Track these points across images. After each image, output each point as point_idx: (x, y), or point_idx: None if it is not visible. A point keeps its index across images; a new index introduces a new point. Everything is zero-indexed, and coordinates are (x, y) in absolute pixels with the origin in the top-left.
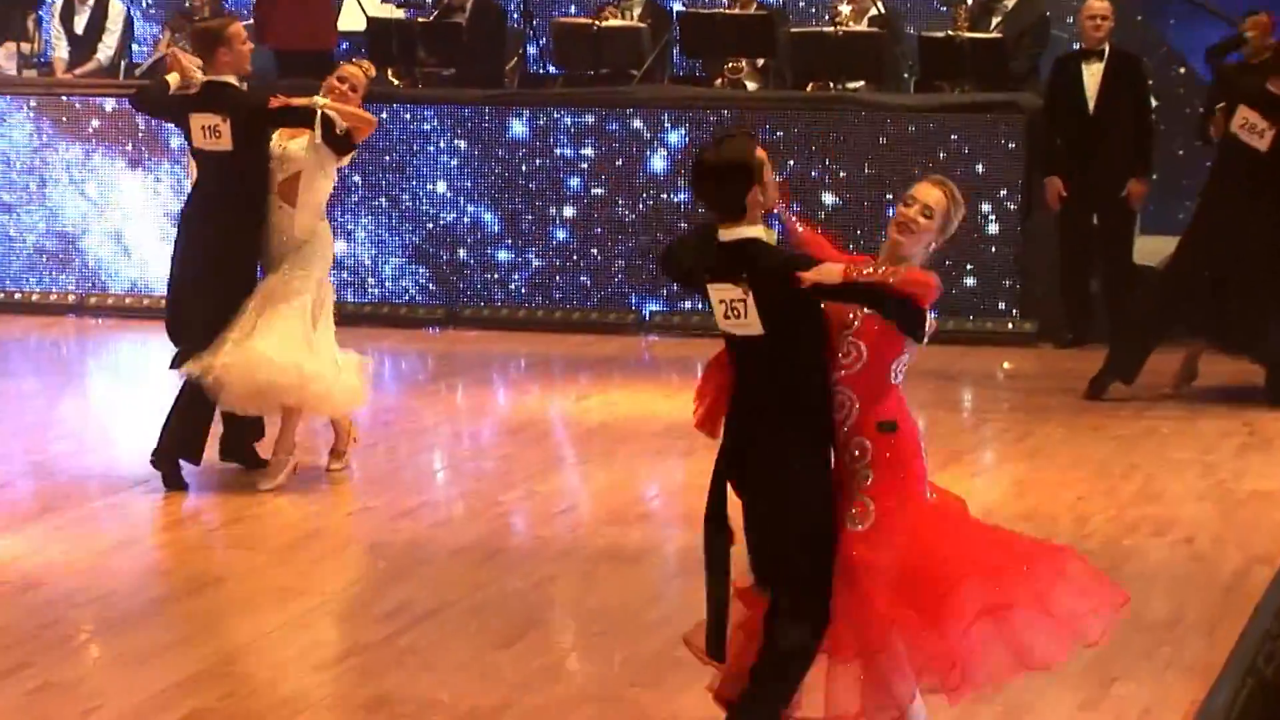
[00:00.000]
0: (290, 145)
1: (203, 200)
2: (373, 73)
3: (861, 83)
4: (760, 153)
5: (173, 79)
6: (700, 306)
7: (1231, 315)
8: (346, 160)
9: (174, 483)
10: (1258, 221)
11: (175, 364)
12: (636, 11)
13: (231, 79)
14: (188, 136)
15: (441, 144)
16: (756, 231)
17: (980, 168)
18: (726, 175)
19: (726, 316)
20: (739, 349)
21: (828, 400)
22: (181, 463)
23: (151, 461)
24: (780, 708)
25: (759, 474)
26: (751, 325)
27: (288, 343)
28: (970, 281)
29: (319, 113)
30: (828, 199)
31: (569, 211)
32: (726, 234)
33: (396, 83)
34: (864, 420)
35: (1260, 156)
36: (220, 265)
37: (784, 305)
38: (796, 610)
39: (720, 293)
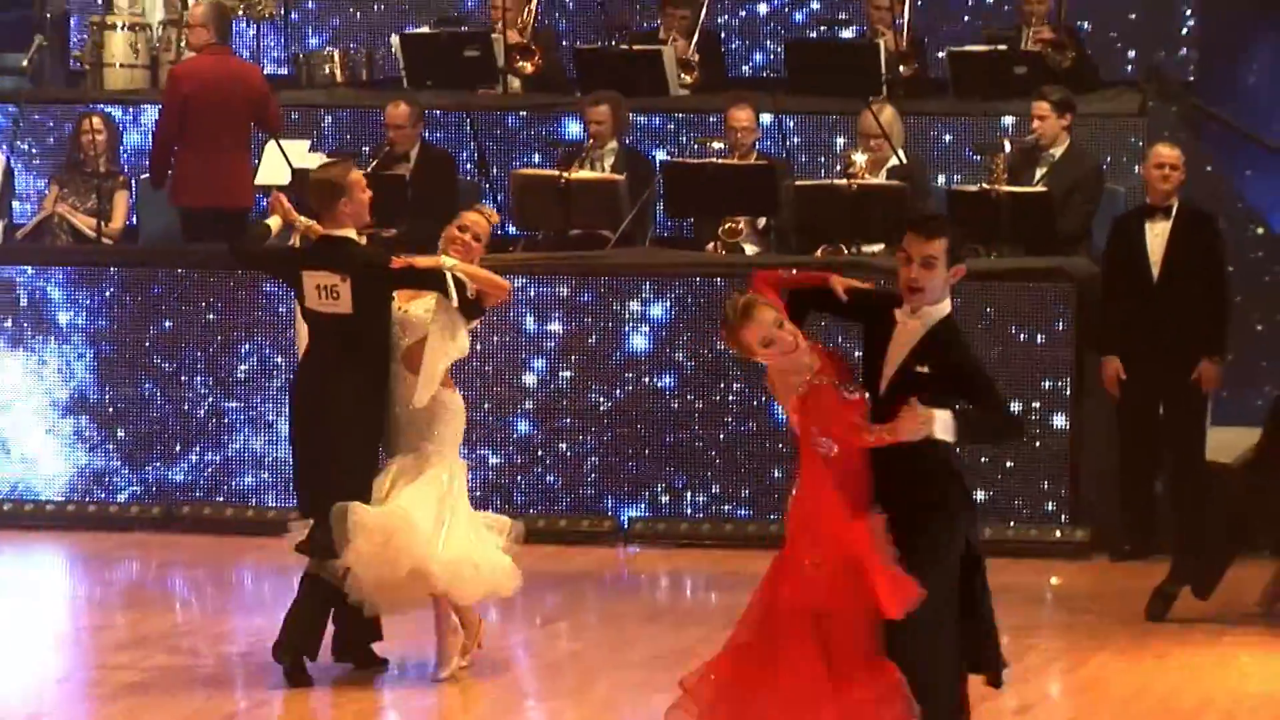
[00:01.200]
0: (411, 308)
1: (319, 369)
2: (496, 219)
3: (880, 245)
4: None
5: (274, 223)
6: (688, 513)
7: None
8: (475, 324)
9: (298, 679)
10: None
11: (307, 551)
12: (610, 161)
13: (350, 233)
14: (299, 297)
15: None
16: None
17: (1023, 346)
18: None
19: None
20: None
21: None
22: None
23: (274, 656)
24: None
25: None
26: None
27: (426, 525)
28: (1013, 482)
29: (449, 275)
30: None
31: (532, 399)
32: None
33: None
34: None
35: None
36: (343, 442)
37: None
38: None
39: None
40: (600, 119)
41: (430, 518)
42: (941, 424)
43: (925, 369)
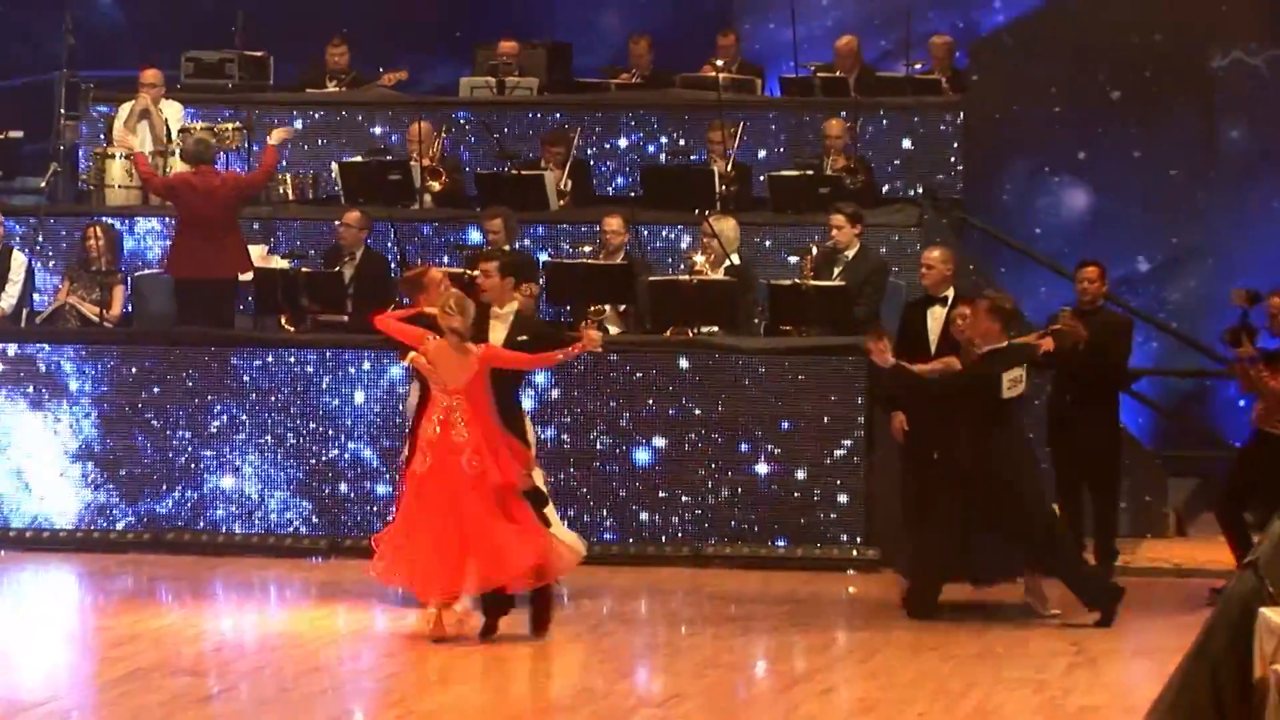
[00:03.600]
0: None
1: None
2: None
3: (715, 327)
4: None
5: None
6: (651, 538)
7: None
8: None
9: None
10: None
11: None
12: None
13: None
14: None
15: (322, 384)
16: None
17: (828, 406)
18: None
19: None
20: None
21: None
22: None
23: None
24: None
25: None
26: None
27: None
28: (820, 513)
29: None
30: (686, 435)
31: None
32: None
33: (290, 329)
34: None
35: None
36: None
37: None
38: None
39: None
40: (495, 229)
41: None
42: None
43: None
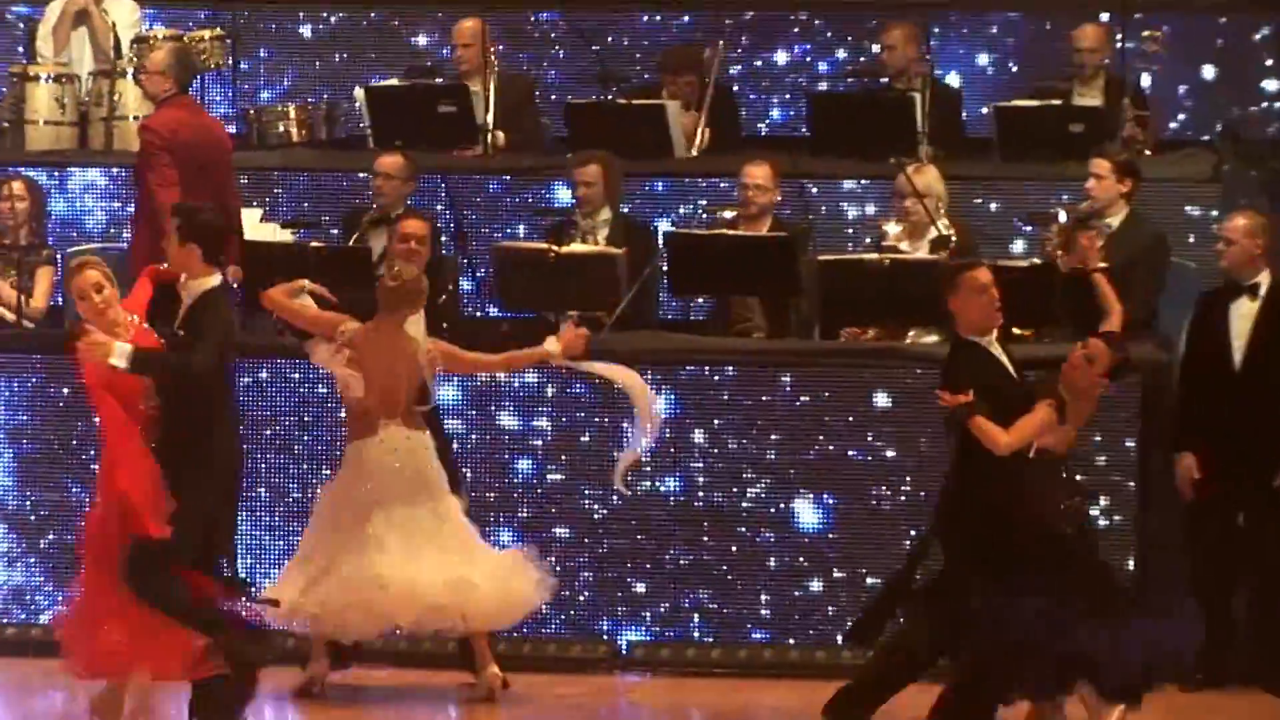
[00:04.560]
0: None
1: None
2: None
3: (913, 331)
4: None
5: None
6: (697, 637)
7: None
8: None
9: None
10: None
11: None
12: (604, 233)
13: None
14: None
15: (343, 413)
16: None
17: (1078, 445)
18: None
19: None
20: None
21: None
22: None
23: None
24: None
25: None
26: None
27: None
28: None
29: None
30: (878, 489)
31: (516, 506)
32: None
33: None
34: None
35: None
36: None
37: None
38: None
39: None
40: (589, 179)
41: None
42: None
43: None
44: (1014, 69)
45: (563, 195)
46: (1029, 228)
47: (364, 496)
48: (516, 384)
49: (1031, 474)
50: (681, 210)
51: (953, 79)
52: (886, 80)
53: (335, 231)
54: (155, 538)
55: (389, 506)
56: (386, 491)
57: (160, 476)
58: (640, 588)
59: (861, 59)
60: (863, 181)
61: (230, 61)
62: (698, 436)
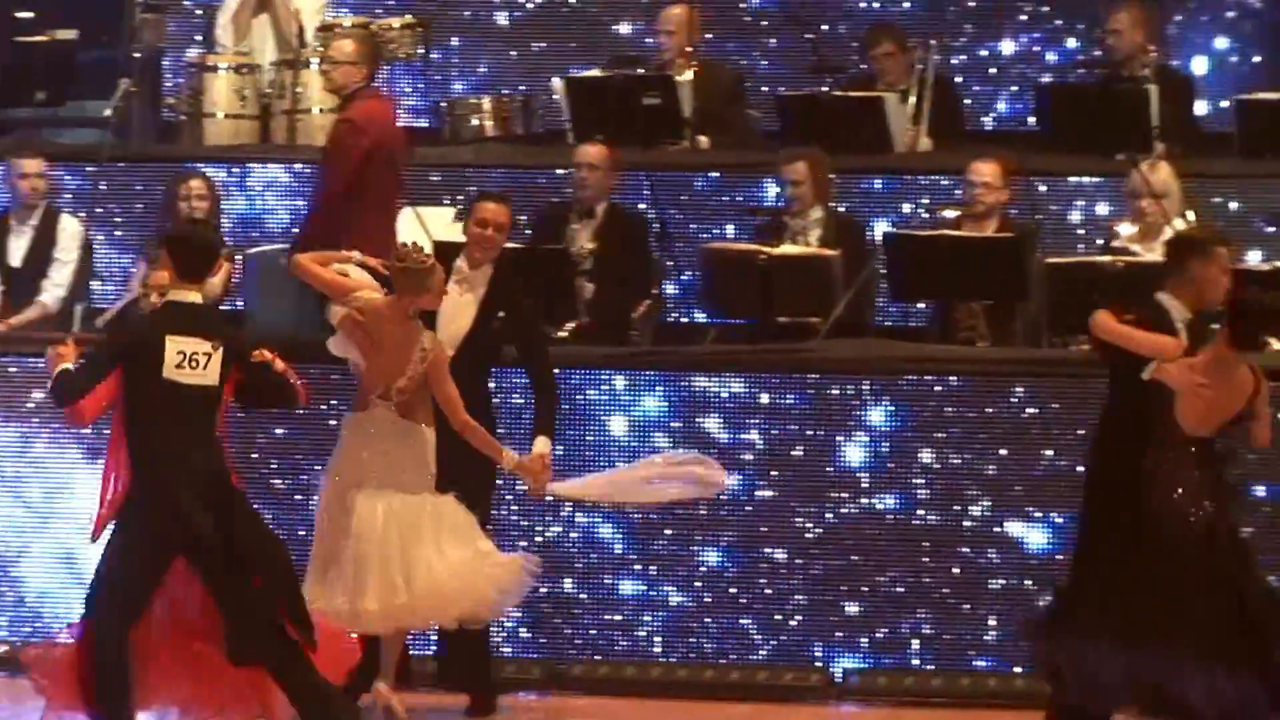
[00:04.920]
0: None
1: None
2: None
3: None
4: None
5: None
6: (916, 664)
7: None
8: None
9: None
10: None
11: None
12: (815, 235)
13: None
14: None
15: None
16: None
17: None
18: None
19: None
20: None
21: None
22: None
23: None
24: None
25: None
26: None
27: None
28: None
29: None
30: None
31: (724, 523)
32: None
33: None
34: None
35: None
36: None
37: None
38: None
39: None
40: (797, 177)
41: None
42: None
43: None
44: (1256, 59)
45: (774, 193)
46: (1271, 229)
47: (346, 475)
48: (725, 395)
49: (1169, 459)
50: (904, 209)
51: (1198, 65)
52: (1110, 69)
53: (528, 232)
54: None
55: (366, 488)
56: (365, 471)
57: None
58: (856, 611)
59: (1096, 52)
60: (1093, 179)
61: (421, 51)
62: (917, 451)
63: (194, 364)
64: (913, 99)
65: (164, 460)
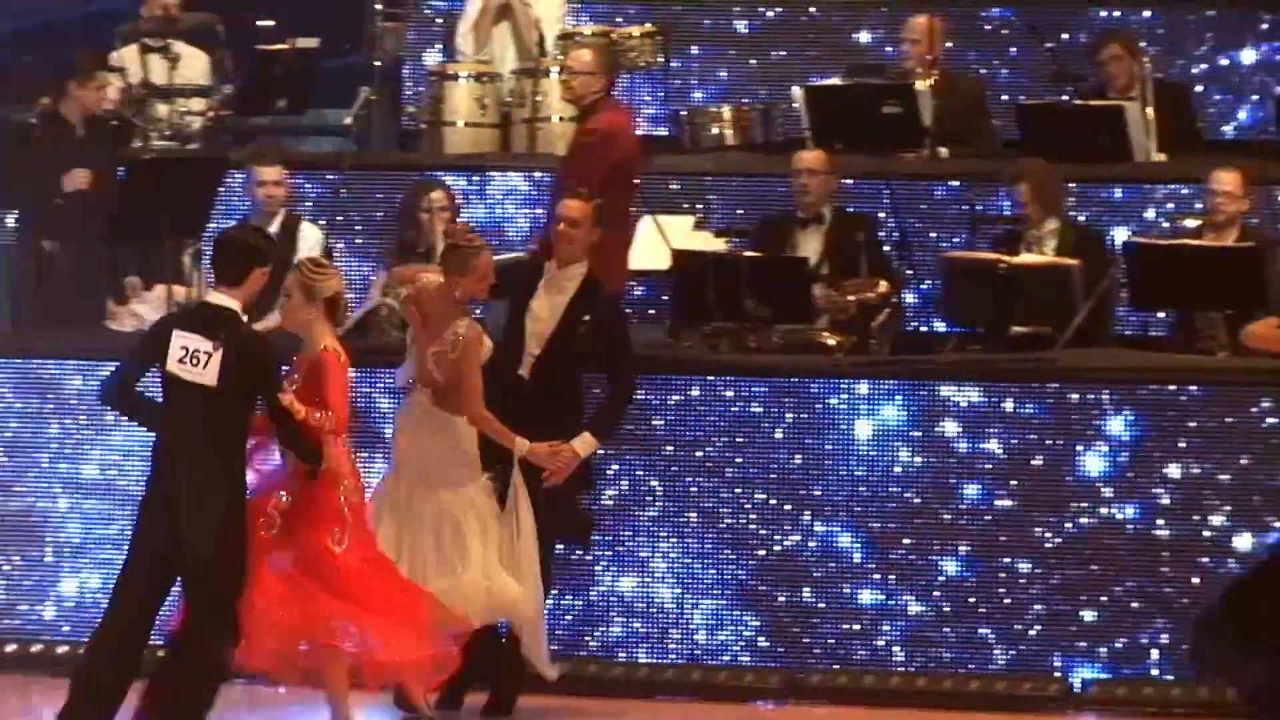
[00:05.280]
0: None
1: None
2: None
3: None
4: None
5: None
6: (1156, 675)
7: None
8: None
9: None
10: None
11: None
12: (1051, 245)
13: None
14: None
15: (777, 433)
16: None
17: None
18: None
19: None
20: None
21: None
22: None
23: None
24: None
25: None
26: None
27: None
28: None
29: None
30: None
31: (963, 534)
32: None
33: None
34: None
35: None
36: None
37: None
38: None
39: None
40: (1022, 198)
41: None
42: None
43: None
44: None
45: (1009, 203)
46: None
47: (391, 461)
48: (964, 403)
49: None
50: (1146, 216)
51: None
52: None
53: (753, 240)
54: None
55: (410, 480)
56: (402, 458)
57: None
58: (1095, 621)
59: None
60: None
61: (661, 60)
62: (1158, 461)
63: (195, 361)
64: (1149, 109)
65: (161, 452)
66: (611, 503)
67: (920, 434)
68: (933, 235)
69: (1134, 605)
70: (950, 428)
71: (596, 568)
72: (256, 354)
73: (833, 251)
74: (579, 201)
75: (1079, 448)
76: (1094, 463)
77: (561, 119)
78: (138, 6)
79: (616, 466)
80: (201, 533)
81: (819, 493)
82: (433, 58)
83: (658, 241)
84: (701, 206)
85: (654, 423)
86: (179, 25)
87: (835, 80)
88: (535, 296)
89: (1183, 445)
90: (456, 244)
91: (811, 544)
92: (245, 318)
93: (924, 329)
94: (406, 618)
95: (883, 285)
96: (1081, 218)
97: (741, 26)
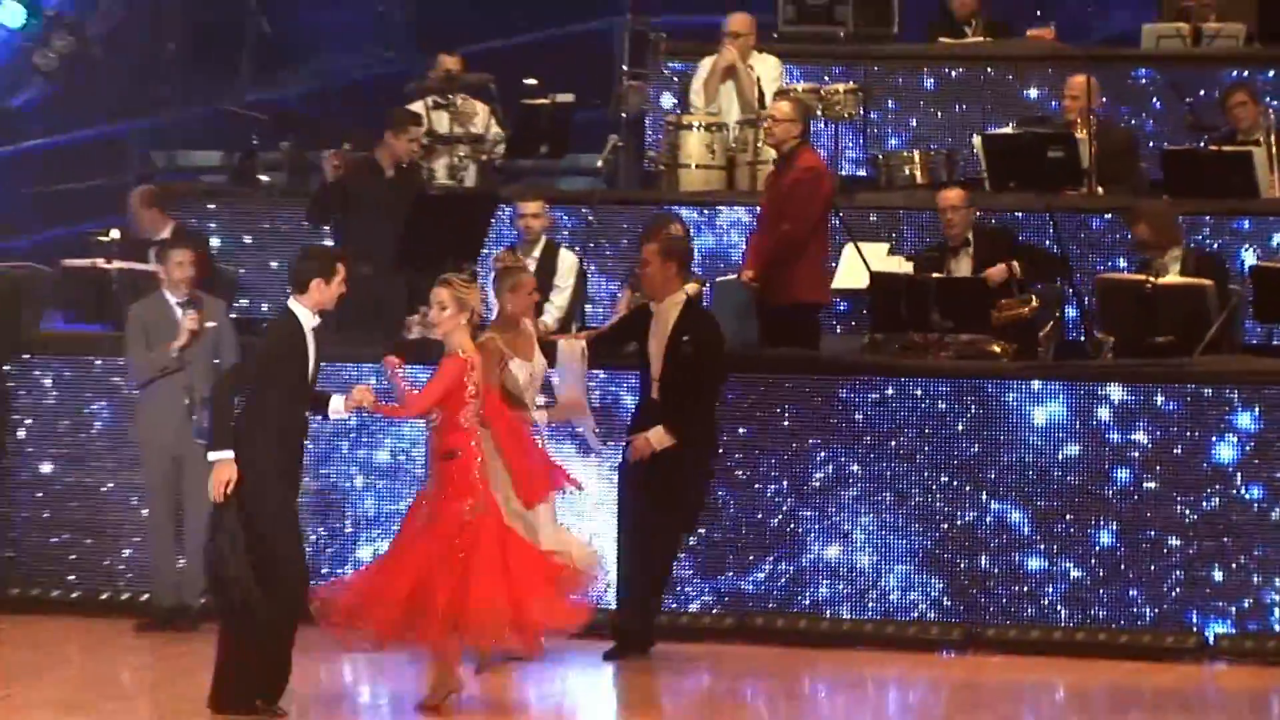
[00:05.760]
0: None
1: None
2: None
3: None
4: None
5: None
6: (1276, 629)
7: None
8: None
9: None
10: None
11: None
12: (1174, 269)
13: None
14: None
15: (958, 425)
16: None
17: None
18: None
19: None
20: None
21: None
22: None
23: None
24: None
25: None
26: None
27: None
28: None
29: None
30: None
31: (1115, 510)
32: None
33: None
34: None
35: None
36: None
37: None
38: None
39: None
40: (1139, 236)
41: None
42: None
43: None
44: None
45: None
46: None
47: None
48: (1116, 401)
49: None
50: (1271, 244)
51: None
52: None
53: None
54: None
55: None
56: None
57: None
58: (1225, 584)
59: None
60: None
61: (861, 112)
62: (1278, 451)
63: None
64: (1273, 150)
65: None
66: (819, 484)
67: (1079, 426)
68: (1089, 259)
69: (1258, 571)
70: (1104, 421)
71: (807, 538)
72: None
73: (981, 268)
74: (649, 244)
75: (1213, 438)
76: (1225, 451)
77: (775, 163)
78: (423, 69)
79: (824, 454)
80: None
81: (993, 476)
82: (669, 110)
83: (859, 265)
84: (895, 235)
85: (855, 417)
86: (458, 83)
87: (1008, 129)
88: (651, 333)
89: None
90: (506, 267)
91: (987, 519)
92: (318, 319)
93: (1080, 339)
94: (549, 574)
95: (1034, 301)
96: (1215, 245)
97: (929, 84)
